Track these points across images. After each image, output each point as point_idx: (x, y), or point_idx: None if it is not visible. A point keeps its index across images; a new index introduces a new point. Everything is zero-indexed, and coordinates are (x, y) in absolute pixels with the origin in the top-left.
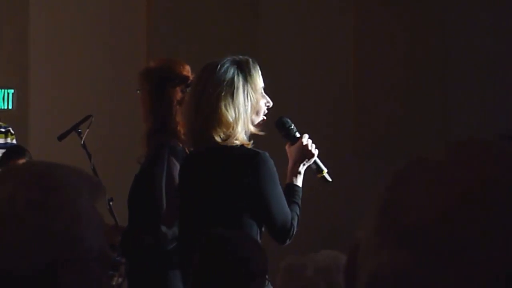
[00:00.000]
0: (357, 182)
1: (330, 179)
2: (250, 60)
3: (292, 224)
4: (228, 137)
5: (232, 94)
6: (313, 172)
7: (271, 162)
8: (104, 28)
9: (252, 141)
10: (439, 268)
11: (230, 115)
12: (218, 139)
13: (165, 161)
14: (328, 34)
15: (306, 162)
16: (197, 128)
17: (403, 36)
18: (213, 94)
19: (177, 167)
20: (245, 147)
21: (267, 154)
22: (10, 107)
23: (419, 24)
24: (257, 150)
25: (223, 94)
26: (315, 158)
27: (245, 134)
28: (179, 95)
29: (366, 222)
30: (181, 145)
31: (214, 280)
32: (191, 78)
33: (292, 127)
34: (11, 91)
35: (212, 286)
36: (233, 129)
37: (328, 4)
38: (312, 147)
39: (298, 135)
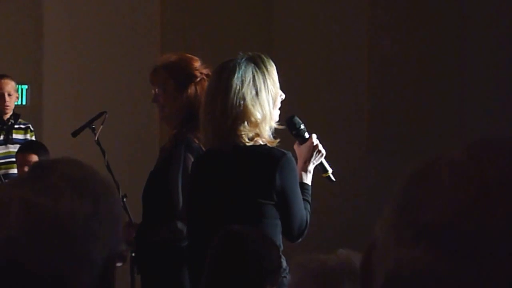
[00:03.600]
0: (371, 179)
1: (334, 179)
2: (264, 55)
3: (307, 222)
4: (255, 136)
5: (256, 93)
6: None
7: (295, 162)
8: (118, 24)
9: (278, 140)
10: (457, 265)
11: (257, 114)
12: (245, 138)
13: (181, 158)
14: (343, 31)
15: (315, 161)
16: (225, 128)
17: (420, 33)
18: (238, 94)
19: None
20: (270, 146)
21: (291, 154)
22: (24, 103)
23: (435, 21)
24: (283, 150)
25: (248, 93)
26: (323, 158)
27: (269, 130)
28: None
29: (382, 220)
30: (197, 141)
31: (229, 278)
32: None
33: (303, 127)
34: (25, 86)
35: (226, 283)
36: (260, 128)
37: (343, 0)
38: (321, 147)
39: (307, 135)
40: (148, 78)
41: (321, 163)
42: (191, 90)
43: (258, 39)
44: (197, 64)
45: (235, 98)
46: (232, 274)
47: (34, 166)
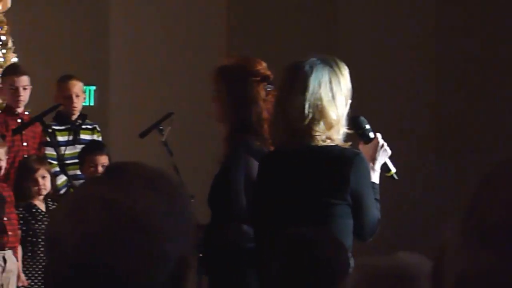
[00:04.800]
0: (436, 179)
1: (397, 178)
2: (337, 59)
3: (378, 221)
4: (328, 137)
5: (332, 95)
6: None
7: (367, 162)
8: (184, 25)
9: (350, 143)
10: None
11: (333, 115)
12: (320, 139)
13: (243, 161)
14: (408, 30)
15: (381, 160)
16: (301, 127)
17: (488, 32)
18: (315, 95)
19: (255, 165)
20: (343, 147)
21: (363, 154)
22: (91, 103)
23: (504, 21)
24: (356, 150)
25: (324, 95)
26: (387, 157)
27: (341, 133)
28: (263, 93)
29: (451, 224)
30: (259, 143)
31: (300, 283)
32: (271, 75)
33: (368, 126)
34: (93, 87)
35: (294, 286)
36: (334, 129)
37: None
38: (386, 146)
39: (372, 134)
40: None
41: (384, 162)
42: (242, 91)
43: (322, 39)
44: (259, 66)
45: (312, 98)
46: (302, 279)
47: (110, 166)
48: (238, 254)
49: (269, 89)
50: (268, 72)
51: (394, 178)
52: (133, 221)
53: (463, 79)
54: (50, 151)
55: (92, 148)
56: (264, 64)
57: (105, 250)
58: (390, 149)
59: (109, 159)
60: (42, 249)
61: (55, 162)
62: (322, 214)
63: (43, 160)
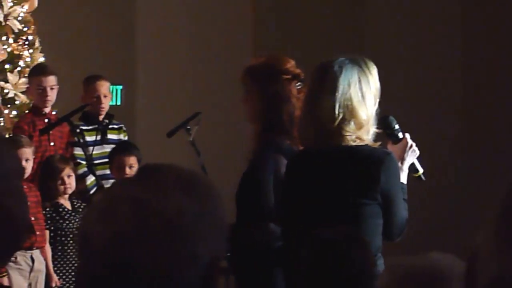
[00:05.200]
0: (462, 177)
1: (424, 179)
2: (366, 58)
3: (406, 221)
4: (358, 137)
5: (362, 95)
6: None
7: (397, 162)
8: (211, 25)
9: (380, 143)
10: None
11: (363, 115)
12: (350, 139)
13: (272, 160)
14: (435, 29)
15: (410, 160)
16: (331, 128)
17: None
18: (345, 95)
19: (284, 164)
20: (372, 147)
21: (393, 154)
22: (118, 103)
23: None
24: (386, 150)
25: (355, 95)
26: (415, 158)
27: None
28: (294, 90)
29: (484, 227)
30: (289, 142)
31: (323, 282)
32: (301, 73)
33: (397, 126)
34: (120, 87)
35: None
36: (364, 129)
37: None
38: (415, 147)
39: (401, 135)
40: (240, 80)
41: (412, 163)
42: (274, 90)
43: (349, 38)
44: (288, 65)
45: (342, 99)
46: (329, 280)
47: (143, 167)
48: (266, 253)
49: (299, 87)
50: (298, 70)
51: (421, 179)
52: (164, 222)
53: (489, 78)
54: (78, 151)
55: (121, 149)
56: (293, 62)
57: (136, 249)
58: (419, 150)
59: (140, 161)
60: (72, 248)
61: (83, 162)
62: (352, 214)
63: (67, 159)
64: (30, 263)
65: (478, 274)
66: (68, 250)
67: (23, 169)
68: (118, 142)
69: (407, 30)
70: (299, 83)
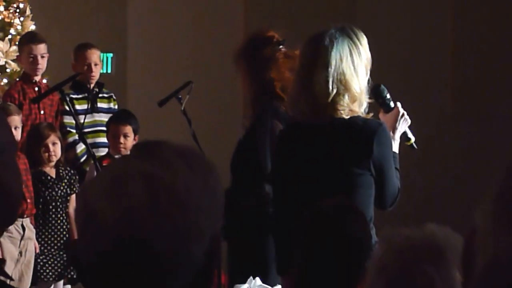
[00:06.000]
0: (455, 146)
1: (416, 147)
2: (355, 28)
3: (398, 190)
4: (351, 109)
5: (355, 67)
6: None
7: (389, 132)
8: None
9: (372, 114)
10: None
11: (356, 87)
12: (344, 112)
13: (268, 123)
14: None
15: (401, 129)
16: (325, 102)
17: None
18: (338, 69)
19: (280, 128)
20: (366, 118)
21: (385, 124)
22: (109, 71)
23: None
24: (378, 120)
25: (347, 68)
26: (407, 126)
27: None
28: (279, 54)
29: (481, 209)
30: (284, 108)
31: (330, 260)
32: (276, 37)
33: (388, 96)
34: (110, 55)
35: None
36: (358, 102)
37: None
38: (406, 116)
39: (392, 104)
40: (232, 47)
41: (404, 131)
42: (260, 57)
43: (342, 14)
44: (267, 33)
45: (335, 73)
46: (327, 256)
47: (140, 143)
48: (258, 220)
49: (283, 49)
50: (276, 35)
51: (413, 147)
52: (174, 197)
53: (480, 46)
54: (69, 120)
55: (116, 117)
56: (271, 30)
57: (147, 225)
58: (410, 118)
59: (136, 131)
60: (54, 216)
61: (73, 131)
62: (345, 184)
63: (54, 127)
64: (21, 231)
65: (475, 254)
66: (50, 218)
67: (17, 142)
68: (117, 110)
69: (400, 5)
70: (280, 46)
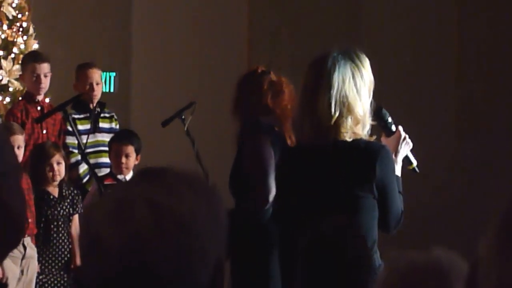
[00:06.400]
0: (460, 167)
1: (418, 171)
2: (358, 50)
3: (402, 213)
4: (354, 132)
5: (357, 90)
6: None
7: (392, 155)
8: (207, 13)
9: (375, 136)
10: None
11: (360, 111)
12: (347, 134)
13: (251, 136)
14: (430, 19)
15: (403, 153)
16: (328, 124)
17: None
18: (340, 92)
19: (264, 138)
20: (368, 140)
21: (388, 146)
22: (112, 90)
23: None
24: (381, 143)
25: (350, 91)
26: (409, 150)
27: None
28: (264, 82)
29: (485, 238)
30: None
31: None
32: (265, 69)
33: (390, 119)
34: (113, 74)
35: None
36: (361, 124)
37: None
38: (408, 139)
39: (394, 127)
40: (235, 69)
41: (406, 155)
42: (245, 85)
43: (345, 33)
44: (257, 68)
45: (338, 95)
46: (325, 273)
47: (144, 169)
48: (260, 237)
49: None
50: (263, 68)
51: (415, 171)
52: (179, 222)
53: (485, 66)
54: (71, 140)
55: (119, 137)
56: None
57: (152, 251)
58: (411, 139)
59: (139, 151)
60: (54, 235)
61: (75, 151)
62: (348, 207)
63: (59, 146)
64: (22, 250)
65: (480, 281)
66: (51, 238)
67: (21, 166)
68: (120, 130)
69: (402, 17)
70: (266, 75)
